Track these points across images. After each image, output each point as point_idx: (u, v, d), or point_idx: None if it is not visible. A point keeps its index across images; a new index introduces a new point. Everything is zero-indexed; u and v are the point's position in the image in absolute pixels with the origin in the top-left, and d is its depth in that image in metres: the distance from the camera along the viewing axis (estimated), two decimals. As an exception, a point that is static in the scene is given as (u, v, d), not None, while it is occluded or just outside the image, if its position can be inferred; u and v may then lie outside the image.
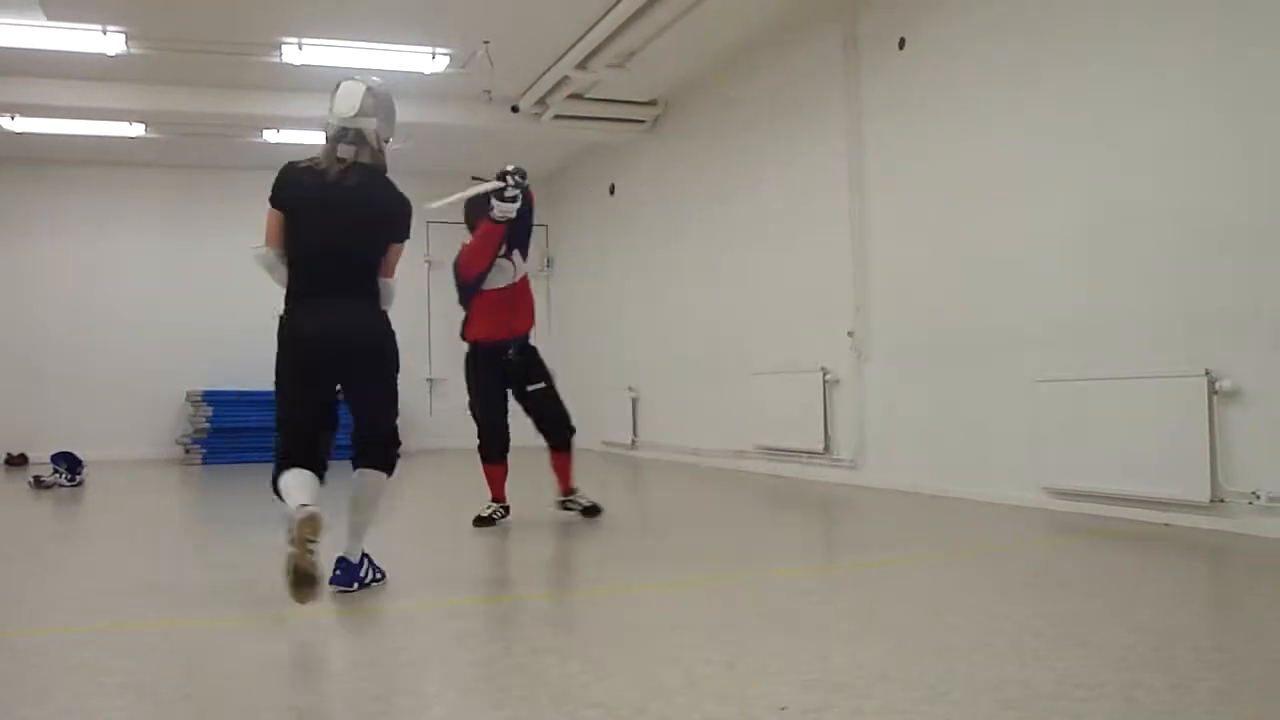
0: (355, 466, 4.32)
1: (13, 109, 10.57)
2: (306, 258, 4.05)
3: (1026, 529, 5.72)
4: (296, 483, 3.93)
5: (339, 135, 4.06)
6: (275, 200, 4.15)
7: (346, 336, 4.07)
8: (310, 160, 4.18)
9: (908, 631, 3.40)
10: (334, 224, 4.02)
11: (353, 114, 4.06)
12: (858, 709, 2.57)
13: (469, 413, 6.42)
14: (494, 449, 6.34)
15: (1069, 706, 2.57)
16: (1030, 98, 6.42)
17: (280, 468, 4.02)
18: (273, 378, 4.17)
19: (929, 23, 7.31)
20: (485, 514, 6.28)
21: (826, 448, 8.31)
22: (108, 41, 8.92)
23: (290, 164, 4.22)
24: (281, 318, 4.08)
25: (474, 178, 5.81)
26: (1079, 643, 3.19)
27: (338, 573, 4.15)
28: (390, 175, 4.42)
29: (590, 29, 8.91)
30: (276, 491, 4.01)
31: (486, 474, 6.38)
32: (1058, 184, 6.23)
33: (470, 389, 6.39)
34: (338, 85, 4.12)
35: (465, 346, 6.46)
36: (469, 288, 6.28)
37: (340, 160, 4.00)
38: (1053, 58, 6.26)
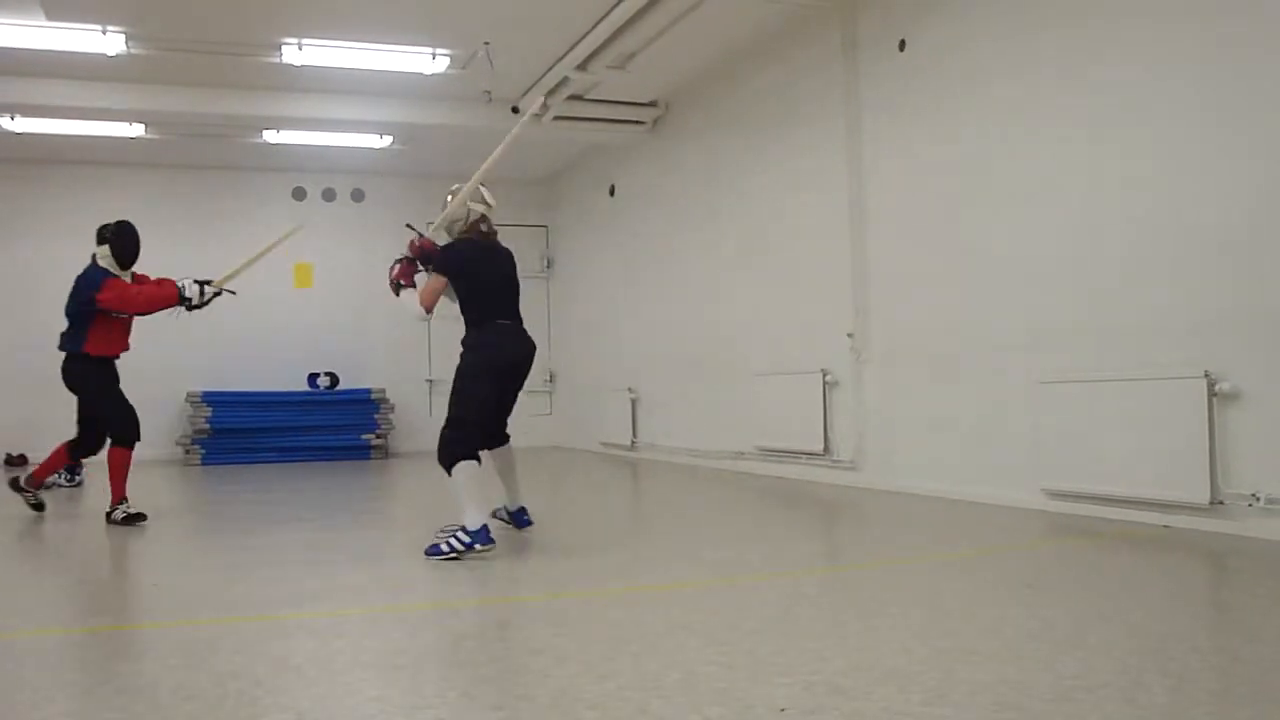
0: (495, 446, 5.97)
1: (13, 109, 10.57)
2: (494, 300, 5.61)
3: (1026, 530, 5.73)
4: (482, 495, 5.26)
5: (484, 218, 5.72)
6: (462, 268, 5.58)
7: (531, 353, 5.71)
8: (467, 236, 5.73)
9: (907, 633, 3.40)
10: (505, 273, 5.74)
11: (495, 205, 5.79)
12: (857, 710, 2.57)
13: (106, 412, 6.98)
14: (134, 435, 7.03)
15: (1068, 708, 2.57)
16: (1031, 99, 6.42)
17: (468, 451, 5.26)
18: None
19: (929, 24, 7.31)
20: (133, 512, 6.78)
21: (826, 449, 8.31)
22: (107, 41, 8.91)
23: (465, 241, 5.69)
24: (478, 340, 5.53)
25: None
26: (1078, 644, 3.19)
27: (527, 518, 6.00)
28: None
29: (590, 30, 8.91)
30: (450, 468, 5.24)
31: (126, 463, 6.92)
32: (1058, 185, 6.23)
33: (112, 393, 7.01)
34: (480, 186, 5.69)
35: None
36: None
37: (493, 233, 5.78)
38: (1053, 59, 6.26)
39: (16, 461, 12.32)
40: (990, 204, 6.74)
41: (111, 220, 7.38)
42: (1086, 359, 5.98)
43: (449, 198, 5.81)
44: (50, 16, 8.41)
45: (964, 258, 6.95)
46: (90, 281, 6.90)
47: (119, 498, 6.79)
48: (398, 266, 5.75)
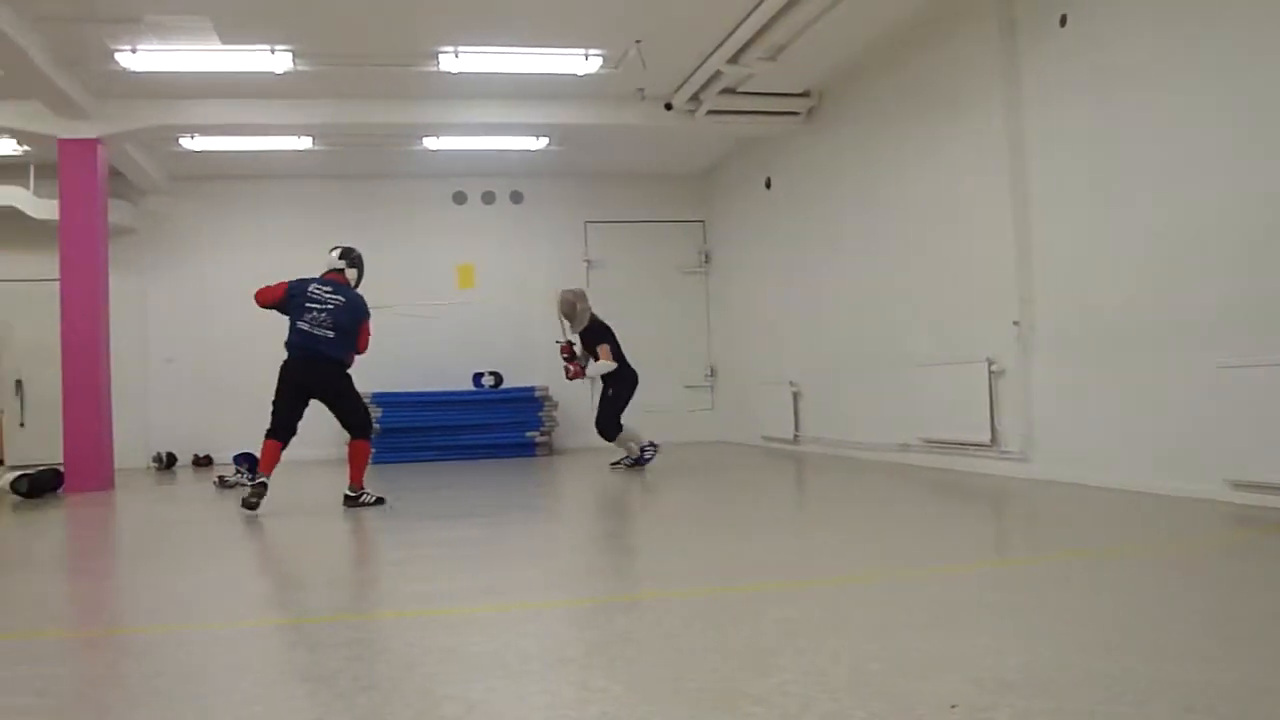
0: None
1: (192, 129, 11.12)
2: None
3: (1207, 523, 5.48)
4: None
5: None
6: (614, 338, 10.23)
7: None
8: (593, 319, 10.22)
9: (1082, 629, 3.29)
10: None
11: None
12: (1029, 708, 2.50)
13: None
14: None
15: (1257, 711, 2.45)
16: (1207, 69, 6.11)
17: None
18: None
19: (1093, -2, 7.06)
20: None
21: (993, 440, 8.11)
22: (276, 60, 9.32)
23: (601, 322, 10.23)
24: (628, 372, 10.23)
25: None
26: (1266, 643, 3.04)
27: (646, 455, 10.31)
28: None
29: (741, 23, 8.90)
30: (616, 436, 10.10)
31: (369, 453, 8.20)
32: (1239, 161, 5.91)
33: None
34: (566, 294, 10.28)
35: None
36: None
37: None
38: (1229, 29, 5.96)
39: (203, 462, 12.96)
40: (1165, 181, 6.44)
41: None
42: (1275, 340, 5.66)
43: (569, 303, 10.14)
44: (224, 40, 8.83)
45: (1137, 238, 6.68)
46: (365, 308, 7.95)
47: (361, 482, 7.93)
48: (571, 367, 10.29)
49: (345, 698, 2.84)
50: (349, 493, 7.85)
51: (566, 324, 10.25)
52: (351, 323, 7.79)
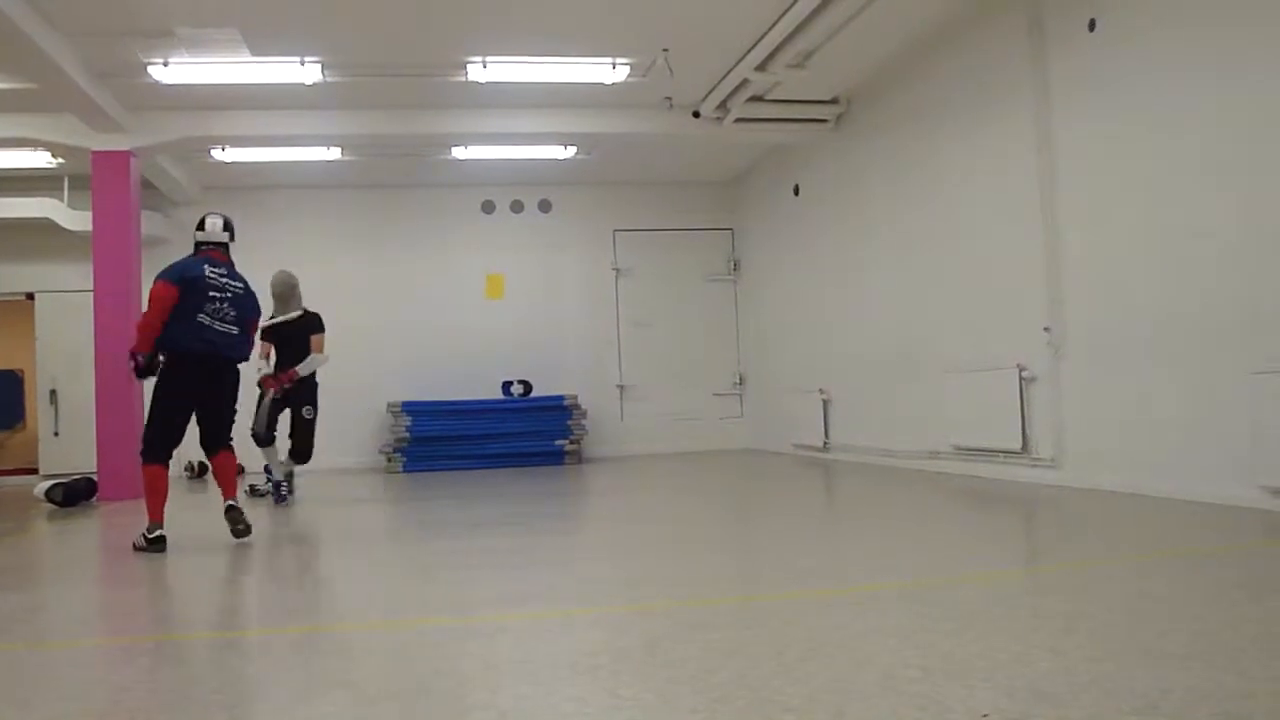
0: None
1: (222, 141, 11.21)
2: None
3: (1243, 530, 5.42)
4: None
5: None
6: None
7: None
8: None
9: (1115, 637, 3.26)
10: None
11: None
12: (1064, 717, 2.48)
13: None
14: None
15: (1296, 717, 2.42)
16: (1237, 75, 6.07)
17: None
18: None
19: (1121, 1, 7.00)
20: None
21: (1025, 447, 8.06)
22: (305, 72, 9.40)
23: None
24: None
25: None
26: (1306, 649, 3.01)
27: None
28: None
29: (768, 31, 8.89)
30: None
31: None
32: (1272, 163, 5.85)
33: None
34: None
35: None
36: None
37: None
38: (1256, 32, 5.91)
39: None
40: (1196, 184, 6.39)
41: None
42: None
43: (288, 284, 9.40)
44: (254, 52, 8.91)
45: (1167, 242, 6.62)
46: (257, 301, 6.94)
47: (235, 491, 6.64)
48: (277, 381, 9.19)
49: (371, 704, 2.85)
50: (232, 503, 6.48)
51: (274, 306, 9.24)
52: (250, 314, 6.73)
